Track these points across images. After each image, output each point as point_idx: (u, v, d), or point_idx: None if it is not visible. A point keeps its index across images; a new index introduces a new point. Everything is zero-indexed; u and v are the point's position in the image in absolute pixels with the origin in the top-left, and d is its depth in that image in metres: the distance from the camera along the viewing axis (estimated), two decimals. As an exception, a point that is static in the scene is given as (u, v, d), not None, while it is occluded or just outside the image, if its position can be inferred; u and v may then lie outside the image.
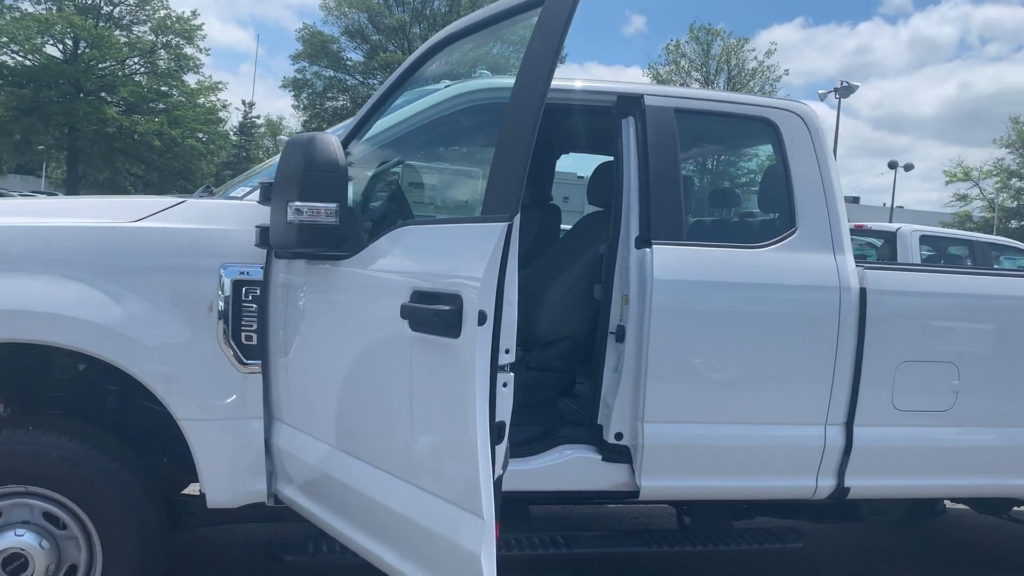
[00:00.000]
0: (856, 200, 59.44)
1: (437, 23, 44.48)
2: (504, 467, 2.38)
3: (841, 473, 3.58)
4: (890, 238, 11.00)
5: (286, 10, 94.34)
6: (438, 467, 2.41)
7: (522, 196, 2.18)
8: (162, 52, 41.79)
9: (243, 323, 2.95)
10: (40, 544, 2.84)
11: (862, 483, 3.61)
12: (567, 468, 3.39)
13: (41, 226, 2.92)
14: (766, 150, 3.75)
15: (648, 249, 3.36)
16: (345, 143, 2.87)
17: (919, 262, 10.06)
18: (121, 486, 2.89)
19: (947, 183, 45.52)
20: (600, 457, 3.41)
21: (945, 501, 4.25)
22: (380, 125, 3.23)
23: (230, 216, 3.03)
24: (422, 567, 2.47)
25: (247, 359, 2.96)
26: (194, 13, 41.95)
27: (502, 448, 2.27)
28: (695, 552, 3.48)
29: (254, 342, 2.96)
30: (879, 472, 3.62)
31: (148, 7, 42.22)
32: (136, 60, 41.77)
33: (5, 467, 2.79)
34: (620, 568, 4.14)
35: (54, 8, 39.30)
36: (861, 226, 13.12)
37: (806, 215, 3.57)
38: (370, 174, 3.26)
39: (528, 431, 3.50)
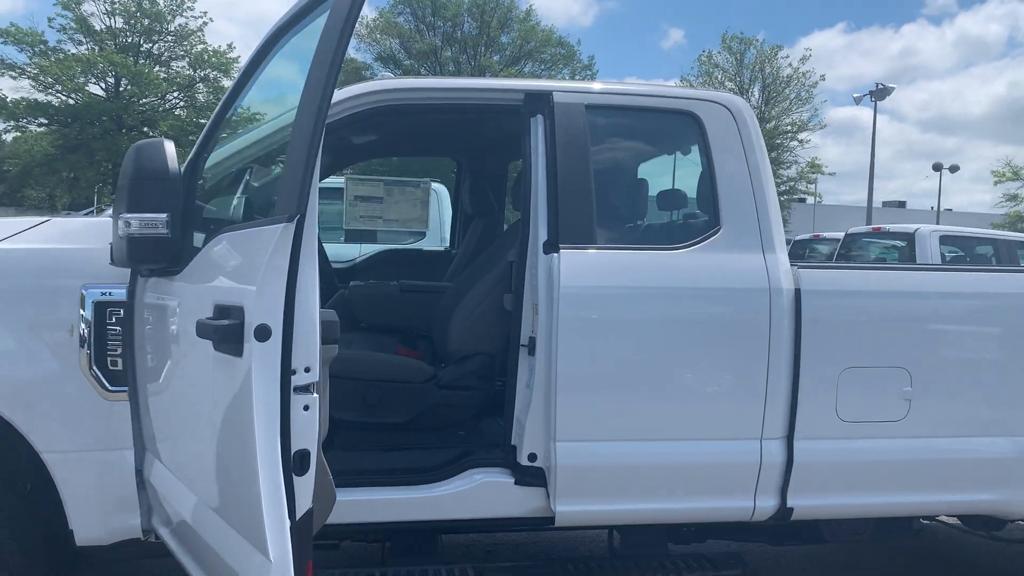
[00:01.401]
0: (903, 204, 58.02)
1: (468, 45, 44.76)
2: (324, 499, 2.15)
3: (783, 492, 3.27)
4: (908, 239, 10.57)
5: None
6: (234, 498, 2.19)
7: (309, 196, 1.97)
8: (200, 86, 42.71)
9: (108, 347, 2.79)
10: None
11: (807, 502, 3.30)
12: (476, 494, 3.15)
13: None
14: (688, 145, 3.49)
15: (556, 254, 3.12)
16: (198, 151, 2.70)
17: (939, 263, 9.61)
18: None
19: (995, 183, 44.06)
20: (513, 481, 3.16)
21: (922, 519, 3.90)
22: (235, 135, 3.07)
23: (94, 234, 2.88)
24: None
25: (112, 385, 2.79)
26: (230, 46, 42.89)
27: (307, 479, 2.03)
28: (618, 582, 3.20)
29: (120, 367, 2.79)
30: (826, 489, 3.31)
31: (186, 43, 43.23)
32: (176, 95, 42.75)
33: None
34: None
35: (96, 48, 40.46)
36: (879, 229, 12.67)
37: (732, 213, 3.30)
38: (216, 183, 3.10)
39: (439, 455, 3.27)
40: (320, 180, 4.74)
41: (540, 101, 3.29)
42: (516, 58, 45.14)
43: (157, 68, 42.28)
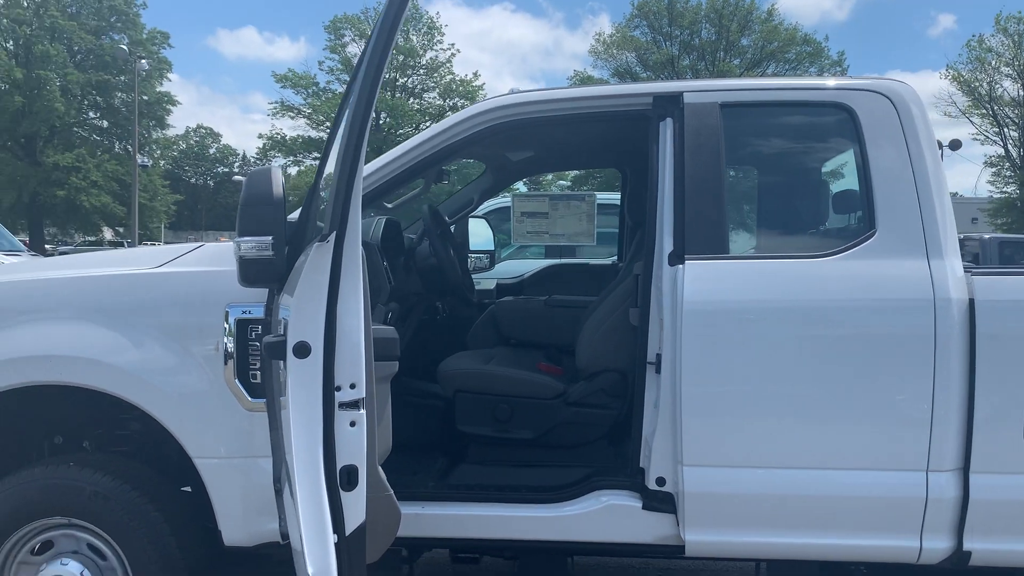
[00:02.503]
0: None
1: (706, 52, 43.83)
2: (385, 515, 2.15)
3: (958, 532, 2.84)
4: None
5: (573, 60, 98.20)
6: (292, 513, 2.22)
7: (348, 214, 1.98)
8: (449, 114, 45.36)
9: (249, 362, 3.01)
10: (81, 574, 3.06)
11: (989, 546, 2.83)
12: (603, 516, 3.02)
13: (75, 277, 3.21)
14: (840, 141, 3.14)
15: (681, 266, 2.93)
16: (316, 177, 2.84)
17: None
18: (148, 522, 3.04)
19: None
20: (640, 505, 3.00)
21: None
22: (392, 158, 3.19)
23: None
24: None
25: (253, 397, 3.00)
26: (475, 75, 45.29)
27: (357, 495, 2.03)
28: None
29: (258, 380, 3.00)
30: (1013, 533, 2.82)
31: (436, 75, 46.24)
32: (427, 123, 45.74)
33: (47, 501, 3.05)
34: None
35: (359, 86, 44.37)
36: None
37: (890, 214, 2.92)
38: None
39: (566, 474, 3.19)
40: (485, 200, 4.85)
41: (670, 103, 3.12)
42: (757, 60, 43.52)
43: (411, 100, 45.53)
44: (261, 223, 2.51)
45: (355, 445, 2.04)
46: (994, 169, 43.54)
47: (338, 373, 2.00)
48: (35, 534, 3.10)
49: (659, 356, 2.98)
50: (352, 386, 2.02)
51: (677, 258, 2.96)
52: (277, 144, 45.78)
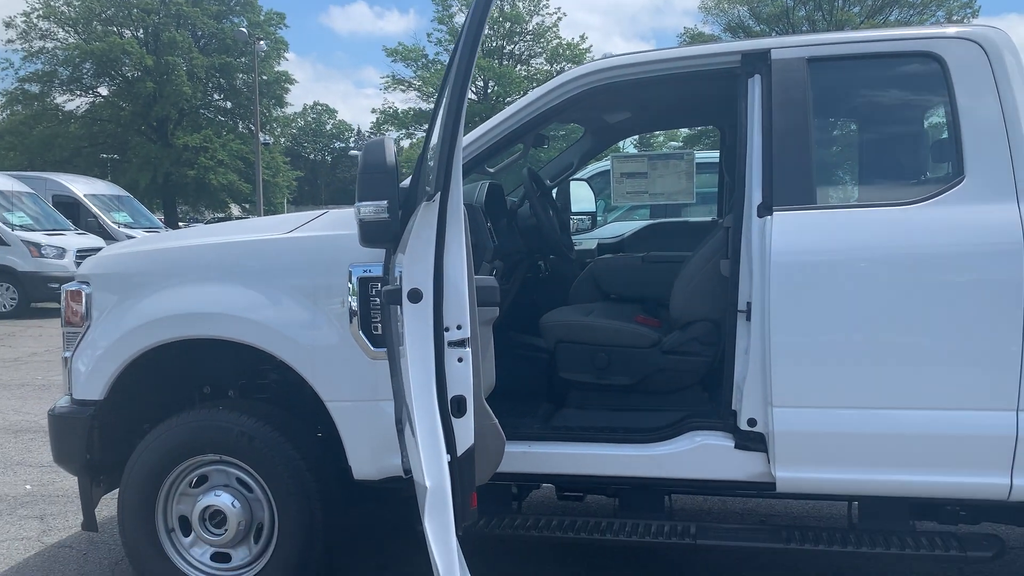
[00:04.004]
0: None
1: (823, 2, 42.02)
2: (491, 440, 2.42)
3: (1050, 470, 2.90)
4: None
5: (684, 17, 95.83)
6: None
7: (451, 176, 2.23)
8: (557, 78, 45.23)
9: (372, 316, 3.33)
10: (232, 504, 3.49)
11: (1081, 483, 2.88)
12: (697, 455, 3.22)
13: (218, 243, 3.62)
14: (929, 89, 3.17)
15: (769, 217, 3.07)
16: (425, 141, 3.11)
17: None
18: (287, 458, 3.43)
19: None
20: (733, 444, 3.18)
21: None
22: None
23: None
24: None
25: (375, 347, 3.32)
26: (582, 38, 45.02)
27: (466, 421, 2.30)
28: (843, 553, 3.07)
29: (379, 332, 3.32)
30: (1104, 470, 2.86)
31: (542, 40, 46.17)
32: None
33: (200, 440, 3.49)
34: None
35: (467, 55, 44.86)
36: None
37: (979, 160, 2.97)
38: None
39: (662, 417, 3.40)
40: (586, 163, 5.03)
41: (758, 60, 3.23)
42: (879, 7, 41.41)
43: (519, 67, 45.66)
44: (377, 189, 2.79)
45: (463, 378, 2.32)
46: None
47: (446, 316, 2.27)
48: (192, 469, 3.54)
49: (749, 304, 3.14)
50: (459, 327, 2.29)
51: (766, 209, 3.10)
52: (390, 117, 46.93)
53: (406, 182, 3.17)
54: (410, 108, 45.56)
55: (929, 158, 3.28)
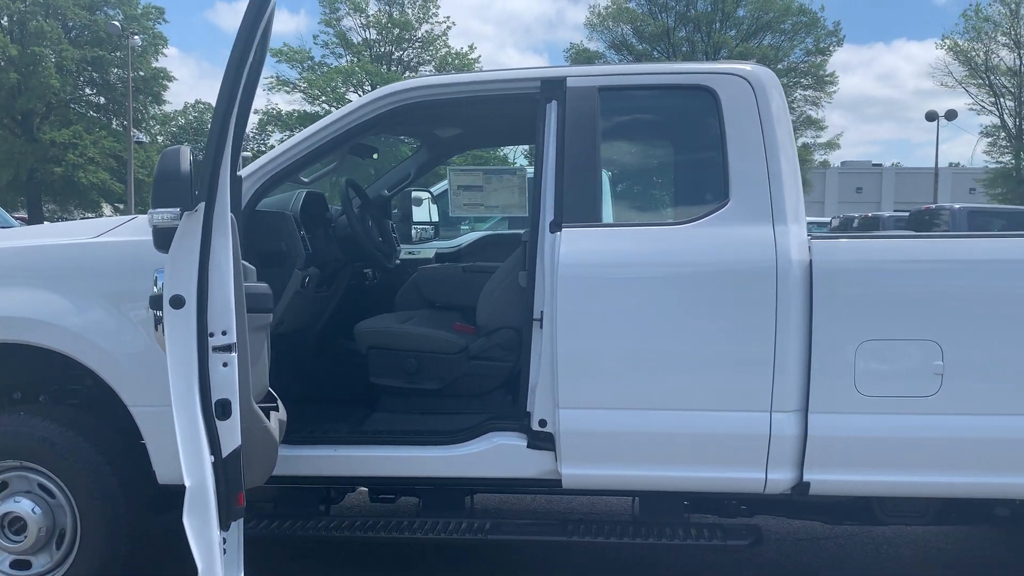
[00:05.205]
0: None
1: (702, 23, 43.76)
2: (261, 444, 2.54)
3: (799, 465, 3.23)
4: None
5: (575, 32, 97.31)
6: None
7: (216, 186, 2.34)
8: (445, 88, 45.35)
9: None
10: (33, 510, 3.44)
11: (825, 477, 3.22)
12: (493, 455, 3.41)
13: (24, 247, 3.60)
14: (703, 120, 3.48)
15: (559, 233, 3.31)
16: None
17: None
18: (89, 463, 3.41)
19: None
20: (525, 444, 3.39)
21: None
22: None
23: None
24: None
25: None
26: (471, 47, 45.29)
27: (231, 423, 2.42)
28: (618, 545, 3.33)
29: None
30: (845, 465, 3.21)
31: (431, 48, 46.25)
32: (423, 97, 45.78)
33: (1, 445, 3.45)
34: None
35: (354, 60, 44.51)
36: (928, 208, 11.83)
37: (742, 186, 3.28)
38: None
39: (465, 420, 3.58)
40: (423, 174, 5.20)
41: (555, 87, 3.46)
42: (753, 31, 43.48)
43: (406, 73, 45.52)
44: (171, 196, 2.85)
45: (228, 382, 2.42)
46: (990, 139, 43.63)
47: (211, 321, 2.37)
48: (-10, 476, 3.49)
49: (543, 313, 3.36)
50: (224, 332, 2.40)
51: (556, 226, 3.33)
52: (273, 119, 45.91)
53: None
54: (295, 110, 44.73)
55: (702, 182, 3.59)
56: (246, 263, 2.87)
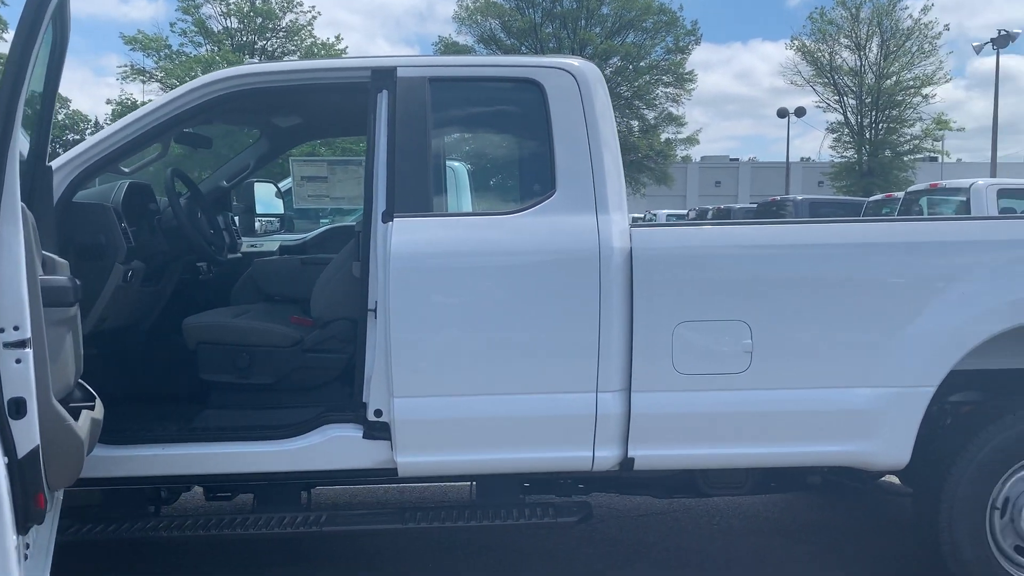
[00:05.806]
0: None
1: (568, 20, 44.53)
2: (65, 443, 2.45)
3: (624, 442, 3.37)
4: (965, 194, 10.14)
5: (446, 25, 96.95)
6: None
7: (4, 173, 2.25)
8: (311, 79, 44.36)
9: None
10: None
11: (647, 453, 3.38)
12: (329, 447, 3.40)
13: None
14: (531, 112, 3.58)
15: (391, 223, 3.32)
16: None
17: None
18: None
19: None
20: (361, 435, 3.39)
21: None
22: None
23: None
24: None
25: None
26: (338, 38, 44.39)
27: (26, 423, 2.32)
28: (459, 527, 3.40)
29: None
30: (665, 441, 3.38)
31: (296, 38, 45.13)
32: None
33: None
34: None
35: (215, 49, 42.89)
36: (935, 185, 12.08)
37: (567, 176, 3.39)
38: None
39: (300, 413, 3.54)
40: (263, 165, 5.08)
41: (386, 77, 3.47)
42: (617, 29, 44.60)
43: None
44: None
45: (22, 380, 2.31)
46: (835, 135, 46.44)
47: (2, 317, 2.26)
48: None
49: (377, 303, 3.37)
50: (16, 328, 2.29)
51: (388, 216, 3.34)
52: (128, 109, 43.64)
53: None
54: (150, 99, 42.75)
55: (530, 173, 3.69)
56: (55, 256, 2.75)
